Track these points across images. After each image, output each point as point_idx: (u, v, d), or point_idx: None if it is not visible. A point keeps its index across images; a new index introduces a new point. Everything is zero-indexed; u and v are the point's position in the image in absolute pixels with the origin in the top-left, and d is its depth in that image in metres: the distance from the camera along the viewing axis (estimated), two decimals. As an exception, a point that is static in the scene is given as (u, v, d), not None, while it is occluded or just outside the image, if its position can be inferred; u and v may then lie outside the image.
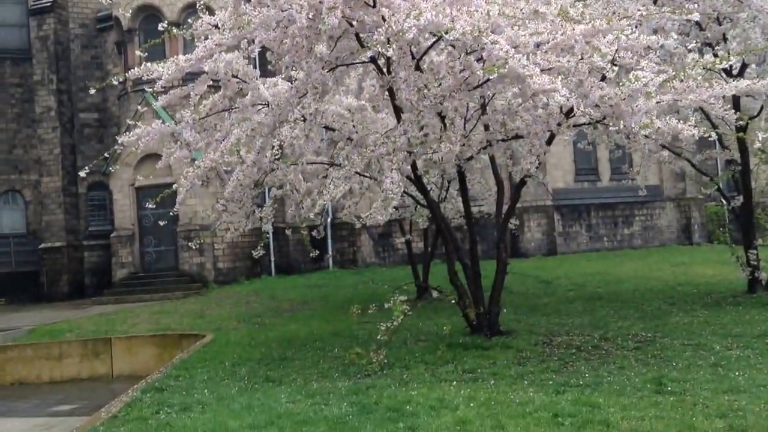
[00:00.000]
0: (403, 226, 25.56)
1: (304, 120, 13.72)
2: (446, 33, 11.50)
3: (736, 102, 18.66)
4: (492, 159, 17.05)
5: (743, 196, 19.78)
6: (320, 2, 12.17)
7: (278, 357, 15.83)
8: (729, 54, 14.50)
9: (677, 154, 20.81)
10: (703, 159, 22.02)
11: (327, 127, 15.37)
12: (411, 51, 13.13)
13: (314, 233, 19.60)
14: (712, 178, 21.69)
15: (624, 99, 12.01)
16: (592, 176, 37.32)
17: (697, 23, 18.17)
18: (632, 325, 16.49)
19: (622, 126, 12.27)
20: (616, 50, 12.09)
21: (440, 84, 12.75)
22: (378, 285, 25.13)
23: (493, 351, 14.36)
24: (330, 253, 35.54)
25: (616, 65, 12.60)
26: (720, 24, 17.99)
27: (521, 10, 12.37)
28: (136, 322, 24.90)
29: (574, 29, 11.96)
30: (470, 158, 15.40)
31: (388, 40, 11.80)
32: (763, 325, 15.36)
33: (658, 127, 11.89)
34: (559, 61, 11.87)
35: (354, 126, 14.98)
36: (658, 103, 12.50)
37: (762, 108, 19.11)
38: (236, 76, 14.46)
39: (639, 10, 12.58)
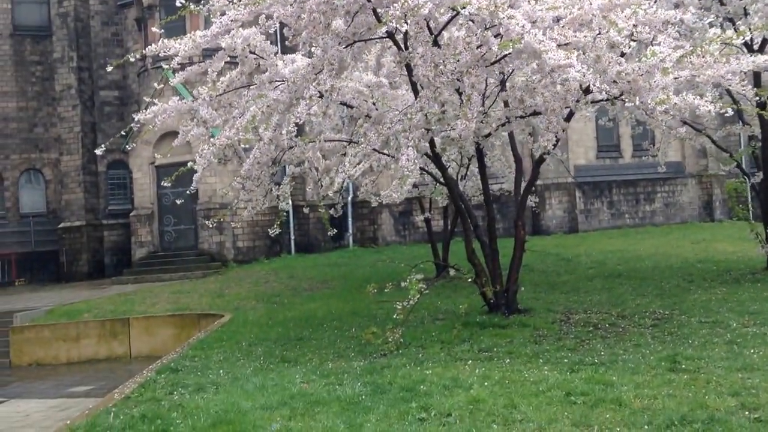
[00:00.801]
0: (423, 204, 25.44)
1: (321, 97, 13.64)
2: (463, 8, 11.37)
3: (756, 78, 18.46)
4: (511, 136, 16.98)
5: (763, 172, 19.54)
6: (336, -25, 12.09)
7: (295, 337, 15.83)
8: (750, 29, 14.31)
9: (698, 130, 20.61)
10: (725, 135, 21.79)
11: (345, 104, 15.24)
12: (429, 26, 13.03)
13: (332, 211, 19.51)
14: (731, 155, 21.44)
15: (642, 75, 11.86)
16: (614, 153, 37.08)
17: (718, -3, 17.96)
18: (650, 303, 16.39)
19: (638, 102, 12.10)
20: (634, 25, 11.92)
21: (458, 60, 12.61)
22: (397, 263, 25.06)
23: (509, 329, 14.28)
24: (350, 231, 35.59)
25: (635, 40, 12.47)
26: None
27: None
28: (155, 302, 24.98)
29: (591, 3, 11.82)
30: (488, 135, 15.26)
31: (405, 14, 11.65)
32: (779, 303, 15.26)
33: (675, 103, 11.72)
34: (575, 36, 11.71)
35: (374, 103, 14.87)
36: (675, 78, 12.33)
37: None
38: (254, 53, 14.36)
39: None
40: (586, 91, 13.04)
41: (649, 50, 11.68)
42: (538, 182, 34.81)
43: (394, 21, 11.55)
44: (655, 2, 13.39)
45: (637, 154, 35.93)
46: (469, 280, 15.61)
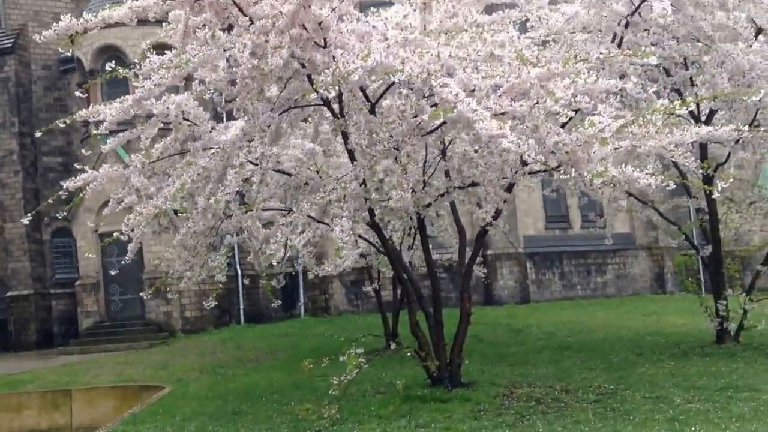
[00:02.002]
0: (372, 274, 25.06)
1: (256, 164, 13.33)
2: (392, 75, 11.15)
3: (703, 149, 18.36)
4: (453, 207, 16.73)
5: (712, 246, 19.44)
6: (266, 41, 11.84)
7: (231, 411, 15.28)
8: (696, 99, 14.24)
9: (644, 202, 20.55)
10: (671, 207, 21.74)
11: (283, 172, 14.94)
12: (365, 94, 12.81)
13: (274, 282, 19.06)
14: (680, 227, 21.35)
15: (580, 145, 11.67)
16: (563, 223, 37.10)
17: (665, 69, 17.85)
18: (596, 377, 16.09)
19: (573, 173, 11.85)
20: (573, 94, 11.70)
21: (393, 128, 12.40)
22: (336, 337, 24.62)
23: (450, 404, 13.90)
24: (302, 300, 35.16)
25: (575, 110, 12.28)
26: (687, 69, 17.65)
27: (477, 52, 12.04)
28: (99, 373, 24.41)
29: (529, 72, 11.60)
30: (429, 205, 14.99)
31: (338, 81, 11.42)
32: (727, 378, 15.00)
33: (614, 176, 11.50)
34: (511, 105, 11.49)
35: (318, 171, 14.60)
36: (616, 149, 12.15)
37: (729, 155, 18.83)
38: (187, 119, 14.07)
39: (600, 53, 12.23)
40: (525, 162, 12.82)
41: (588, 120, 11.49)
42: (489, 252, 34.81)
43: (323, 88, 11.33)
44: (598, 72, 13.25)
45: (586, 225, 35.83)
46: (408, 354, 15.26)
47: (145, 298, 18.26)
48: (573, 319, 27.62)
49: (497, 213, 15.39)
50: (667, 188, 12.23)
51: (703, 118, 17.73)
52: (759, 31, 17.11)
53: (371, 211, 14.37)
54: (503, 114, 11.68)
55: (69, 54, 35.47)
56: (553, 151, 11.93)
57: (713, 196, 16.35)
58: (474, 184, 14.10)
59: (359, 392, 15.48)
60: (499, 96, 11.75)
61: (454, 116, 10.94)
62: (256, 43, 11.91)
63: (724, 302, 19.02)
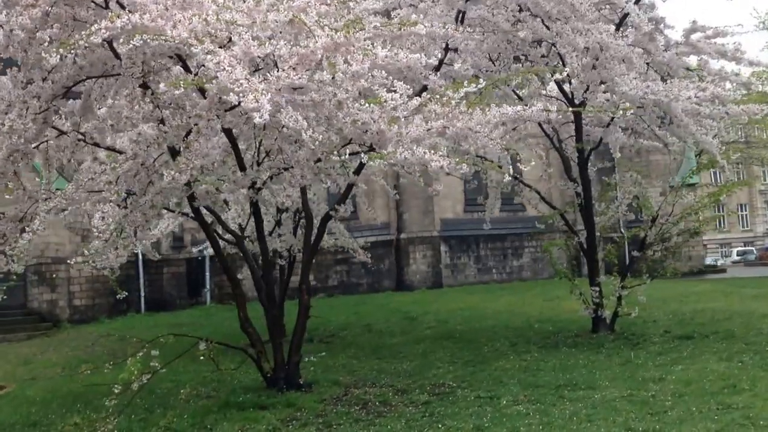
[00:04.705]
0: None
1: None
2: (132, 39, 9.68)
3: (578, 131, 17.50)
4: (303, 190, 15.36)
5: (587, 231, 18.51)
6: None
7: (31, 422, 13.65)
8: (510, 76, 13.19)
9: (527, 185, 19.59)
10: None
11: (113, 149, 13.42)
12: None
13: (106, 272, 17.29)
14: (558, 210, 20.36)
15: (386, 125, 10.43)
16: (482, 206, 35.82)
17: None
18: (451, 372, 15.17)
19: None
20: (370, 68, 10.38)
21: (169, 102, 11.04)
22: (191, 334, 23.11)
23: (270, 411, 12.61)
24: (208, 287, 33.63)
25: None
26: (552, 47, 16.65)
27: (274, 20, 10.67)
28: (-50, 370, 22.68)
29: (316, 42, 10.23)
30: (260, 189, 13.58)
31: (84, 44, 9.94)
32: (575, 373, 14.13)
33: (406, 158, 10.24)
34: (295, 77, 10.05)
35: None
36: (428, 130, 10.91)
37: (600, 139, 17.84)
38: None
39: (376, 24, 10.93)
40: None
41: (379, 96, 10.22)
42: (402, 236, 33.71)
43: (68, 51, 9.84)
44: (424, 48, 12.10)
45: (506, 208, 34.67)
46: (206, 357, 13.81)
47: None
48: (475, 305, 26.64)
49: (344, 196, 14.27)
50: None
51: (577, 101, 16.79)
52: (625, 15, 16.50)
53: (192, 196, 12.98)
54: (300, 89, 10.39)
55: None
56: (367, 131, 10.71)
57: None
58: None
59: (190, 398, 13.87)
60: (293, 68, 10.33)
61: (214, 87, 9.59)
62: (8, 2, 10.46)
63: (597, 288, 18.03)
